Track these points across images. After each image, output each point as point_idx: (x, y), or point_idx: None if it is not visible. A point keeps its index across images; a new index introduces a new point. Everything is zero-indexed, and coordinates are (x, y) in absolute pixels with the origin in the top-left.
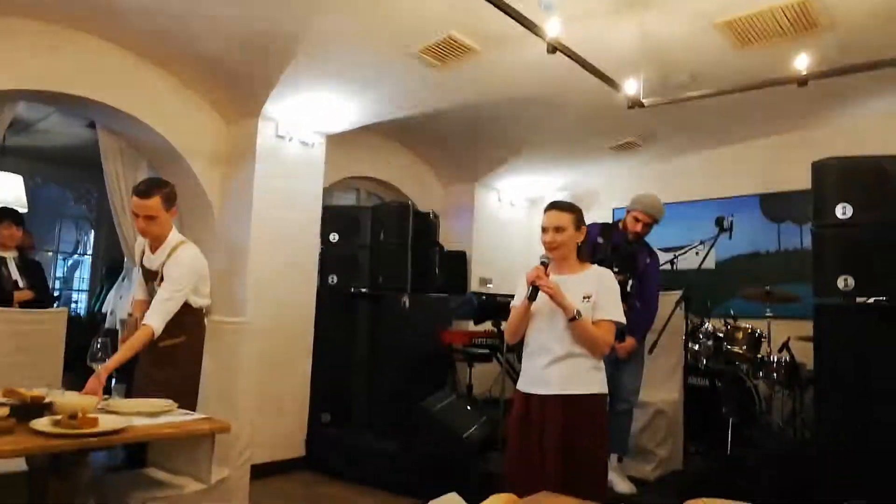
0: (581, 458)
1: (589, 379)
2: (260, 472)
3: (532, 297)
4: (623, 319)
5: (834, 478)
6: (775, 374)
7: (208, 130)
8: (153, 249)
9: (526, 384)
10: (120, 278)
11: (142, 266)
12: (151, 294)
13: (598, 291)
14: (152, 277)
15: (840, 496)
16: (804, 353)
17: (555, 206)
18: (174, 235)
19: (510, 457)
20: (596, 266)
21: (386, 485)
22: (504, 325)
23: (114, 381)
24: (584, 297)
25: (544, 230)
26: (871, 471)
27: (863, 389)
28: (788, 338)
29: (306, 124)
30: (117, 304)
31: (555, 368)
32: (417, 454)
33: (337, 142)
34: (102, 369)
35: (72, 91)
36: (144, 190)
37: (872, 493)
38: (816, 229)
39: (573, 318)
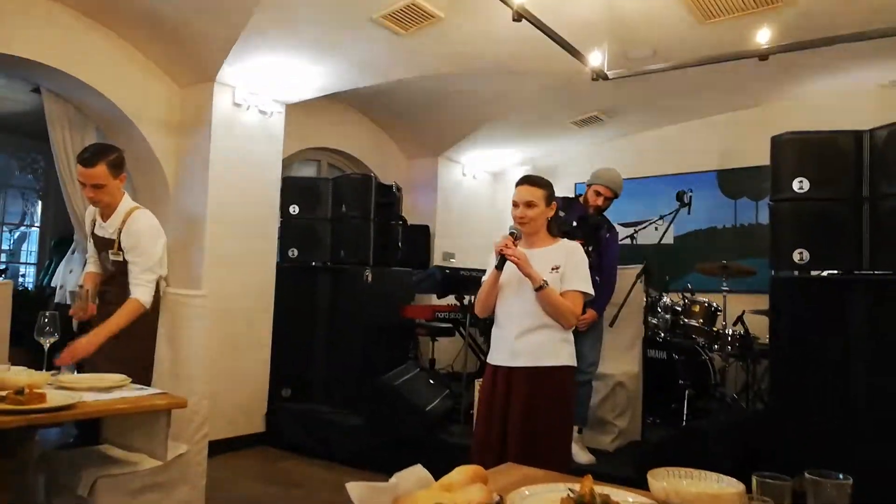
0: (545, 431)
1: (558, 351)
2: (219, 448)
3: (499, 265)
4: (591, 291)
5: (787, 446)
6: (729, 347)
7: (160, 96)
8: (104, 218)
9: (494, 357)
10: (70, 251)
11: (93, 236)
12: (104, 265)
13: (566, 263)
14: (106, 246)
15: (793, 464)
16: (758, 327)
17: (526, 180)
18: (126, 201)
19: (477, 429)
20: (566, 240)
21: (348, 459)
22: (468, 300)
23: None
24: (552, 269)
25: (515, 205)
26: (823, 439)
27: (815, 360)
28: (743, 311)
29: (265, 92)
30: (67, 277)
31: (524, 340)
32: (380, 428)
33: (297, 111)
34: (89, 341)
35: (13, 52)
36: (88, 158)
37: (823, 460)
38: (774, 203)
39: (540, 287)
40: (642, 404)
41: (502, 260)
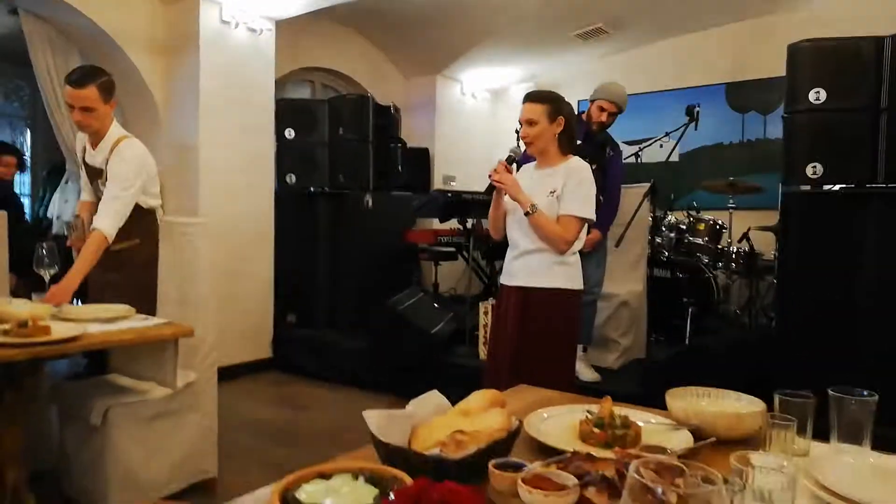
0: (539, 352)
1: (551, 273)
2: (227, 374)
3: (487, 192)
4: (588, 215)
5: (791, 360)
6: (733, 264)
7: (144, 14)
8: (94, 145)
9: (503, 276)
10: (63, 181)
11: (84, 164)
12: (97, 193)
13: (564, 185)
14: (96, 175)
15: (797, 378)
16: (763, 243)
17: (529, 97)
18: (115, 129)
19: (489, 348)
20: (573, 158)
21: (355, 381)
22: (470, 223)
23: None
24: (549, 193)
25: (520, 124)
26: (826, 354)
27: (825, 276)
28: (749, 228)
29: (253, 7)
30: (62, 207)
31: (520, 261)
32: (385, 352)
33: (288, 29)
34: (66, 287)
35: None
36: (78, 79)
37: (826, 375)
38: (788, 115)
39: (527, 213)
40: (647, 323)
41: (490, 187)
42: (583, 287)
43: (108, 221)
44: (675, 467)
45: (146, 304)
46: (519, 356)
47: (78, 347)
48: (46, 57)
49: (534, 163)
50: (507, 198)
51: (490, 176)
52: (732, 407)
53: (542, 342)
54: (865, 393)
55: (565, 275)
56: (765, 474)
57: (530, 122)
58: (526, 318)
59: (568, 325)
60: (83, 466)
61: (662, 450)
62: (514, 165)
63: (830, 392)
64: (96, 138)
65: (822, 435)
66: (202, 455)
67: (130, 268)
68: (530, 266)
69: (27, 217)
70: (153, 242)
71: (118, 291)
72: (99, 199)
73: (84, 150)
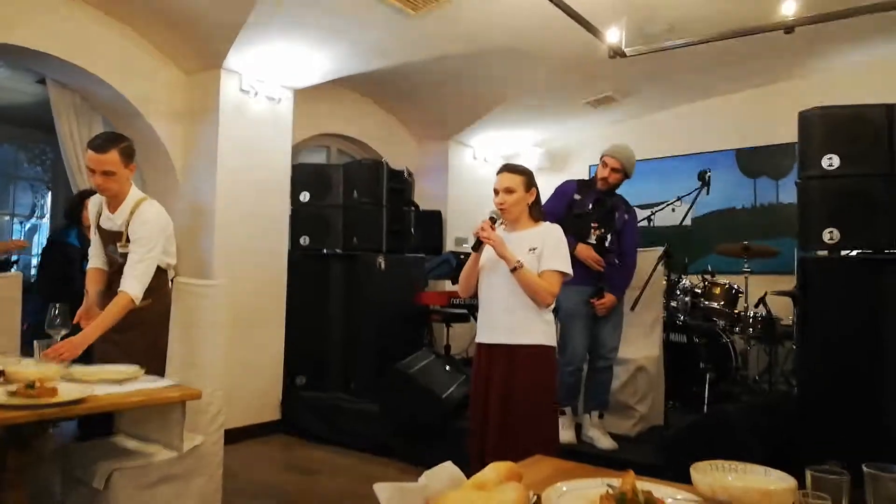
0: (523, 411)
1: (534, 330)
2: (235, 436)
3: (475, 248)
4: (568, 270)
5: (814, 430)
6: (751, 329)
7: (166, 84)
8: (112, 209)
9: (479, 334)
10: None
11: (99, 228)
12: (111, 259)
13: (543, 243)
14: (113, 240)
15: (821, 448)
16: (780, 308)
17: (505, 168)
18: (134, 192)
19: (471, 409)
20: (547, 223)
21: (364, 446)
22: None
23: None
24: (529, 249)
25: (496, 192)
26: (851, 423)
27: (845, 343)
28: (766, 293)
29: (272, 78)
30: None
31: (502, 319)
32: (396, 415)
33: (305, 97)
34: (79, 342)
35: (16, 42)
36: (101, 144)
37: (851, 445)
38: (802, 181)
39: (514, 269)
40: (664, 389)
41: (478, 243)
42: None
43: (136, 284)
44: None
45: (155, 363)
46: (507, 416)
47: (84, 410)
48: (70, 123)
49: (503, 228)
50: (485, 257)
51: (476, 233)
52: (760, 482)
53: (529, 399)
54: None
55: (546, 332)
56: None
57: (509, 190)
58: (513, 375)
59: (550, 382)
60: None
61: None
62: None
63: (865, 469)
64: (115, 202)
65: None
66: None
67: (141, 328)
68: (514, 323)
69: (13, 257)
70: (165, 302)
71: (127, 351)
72: (110, 265)
73: (99, 215)
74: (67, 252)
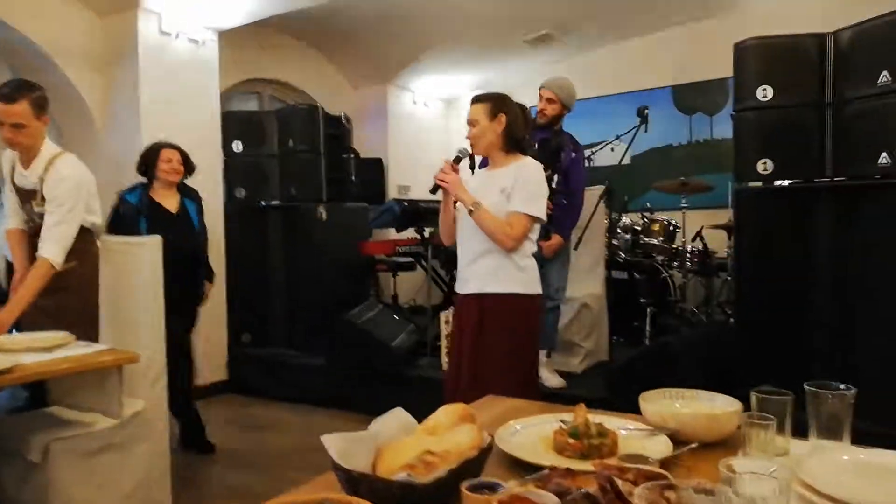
0: (497, 362)
1: (507, 278)
2: None
3: (433, 190)
4: (536, 213)
5: (751, 356)
6: (688, 263)
7: (79, 26)
8: (25, 164)
9: (456, 284)
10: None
11: (13, 185)
12: (30, 218)
13: (514, 182)
14: (28, 198)
15: (758, 374)
16: (715, 241)
17: (472, 99)
18: (49, 146)
19: (450, 361)
20: (526, 158)
21: (315, 400)
22: (427, 232)
23: None
24: (500, 190)
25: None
26: (785, 349)
27: (779, 271)
28: (702, 227)
29: (194, 18)
30: None
31: (473, 267)
32: (346, 366)
33: (231, 40)
34: (5, 319)
35: None
36: (9, 93)
37: (786, 370)
38: (737, 113)
39: (470, 211)
40: (608, 325)
41: (435, 186)
42: (540, 292)
43: (55, 247)
44: (658, 476)
45: (87, 329)
46: (478, 367)
47: (10, 381)
48: None
49: (486, 167)
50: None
51: (435, 176)
52: (707, 408)
53: (501, 351)
54: (843, 386)
55: (521, 280)
56: (754, 480)
57: (472, 123)
58: (483, 326)
59: (527, 332)
60: None
61: (643, 459)
62: (468, 163)
63: (807, 387)
64: (28, 157)
65: (797, 432)
66: (154, 487)
67: (68, 292)
68: (484, 270)
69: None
70: (92, 263)
71: (56, 318)
72: (29, 224)
73: (12, 170)
74: (120, 209)
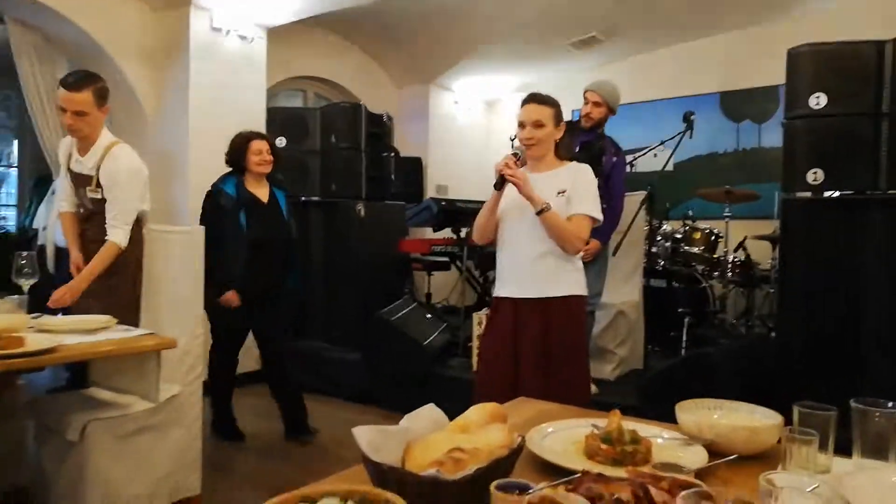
0: (560, 365)
1: (567, 279)
2: None
3: (498, 185)
4: (599, 215)
5: (792, 371)
6: (729, 274)
7: (133, 21)
8: (82, 152)
9: (501, 288)
10: (49, 191)
11: (69, 171)
12: (82, 203)
13: (573, 186)
14: (83, 183)
15: (798, 390)
16: (759, 253)
17: (534, 98)
18: (106, 135)
19: (481, 367)
20: (574, 162)
21: (347, 394)
22: (464, 232)
23: None
24: (558, 193)
25: (521, 125)
26: (828, 366)
27: (827, 284)
28: (745, 237)
29: (244, 15)
30: (49, 218)
31: (530, 269)
32: (378, 364)
33: (279, 37)
34: (75, 286)
35: None
36: (74, 82)
37: (829, 387)
38: (788, 121)
39: (541, 211)
40: (644, 333)
41: (501, 180)
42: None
43: (121, 233)
44: (693, 486)
45: (130, 314)
46: (543, 370)
47: (53, 360)
48: (32, 65)
49: (526, 168)
50: (504, 201)
51: (501, 169)
52: (747, 420)
53: (566, 352)
54: (891, 405)
55: (580, 281)
56: (796, 496)
57: (537, 124)
58: (549, 330)
59: (583, 332)
60: (61, 484)
61: (678, 468)
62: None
63: (853, 404)
64: (86, 144)
65: (840, 449)
66: (186, 471)
67: (113, 277)
68: (546, 273)
69: (8, 228)
70: (137, 250)
71: (100, 301)
72: (80, 209)
73: (69, 156)
74: (220, 201)
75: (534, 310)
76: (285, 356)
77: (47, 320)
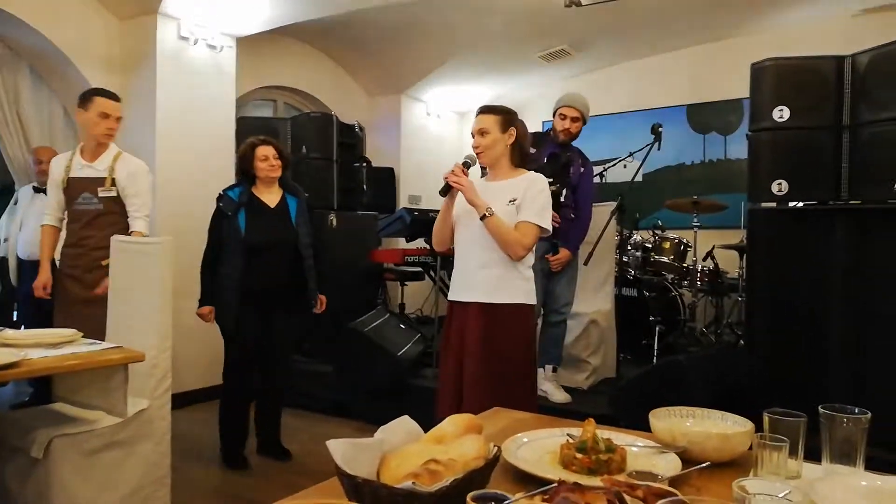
0: (501, 373)
1: (514, 288)
2: (184, 400)
3: (443, 192)
4: (545, 224)
5: (761, 379)
6: (699, 283)
7: (99, 30)
8: (92, 157)
9: (452, 292)
10: (12, 201)
11: (69, 180)
12: (80, 210)
13: (523, 195)
14: (94, 185)
15: (767, 397)
16: (727, 261)
17: (480, 109)
18: (113, 144)
19: (441, 369)
20: (531, 173)
21: (319, 407)
22: None
23: (15, 314)
24: (509, 201)
25: (472, 135)
26: (796, 372)
27: (792, 292)
28: (713, 246)
29: (213, 24)
30: (10, 229)
31: (478, 274)
32: (351, 375)
33: (249, 47)
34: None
35: None
36: (115, 94)
37: (797, 394)
38: (753, 133)
39: (483, 216)
40: (616, 341)
41: (447, 187)
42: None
43: (144, 223)
44: (668, 494)
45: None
46: (483, 377)
47: (17, 375)
48: None
49: (484, 178)
50: (457, 208)
51: (446, 177)
52: (719, 427)
53: (508, 361)
54: (857, 411)
55: (526, 290)
56: (768, 502)
57: (482, 132)
58: (491, 335)
59: (530, 342)
60: (25, 503)
61: (653, 476)
62: (477, 171)
63: (822, 410)
64: (99, 150)
65: (809, 455)
66: (155, 487)
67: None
68: (491, 279)
69: None
70: None
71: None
72: (77, 218)
73: (67, 168)
74: (221, 205)
75: (478, 315)
76: (284, 372)
77: (10, 334)
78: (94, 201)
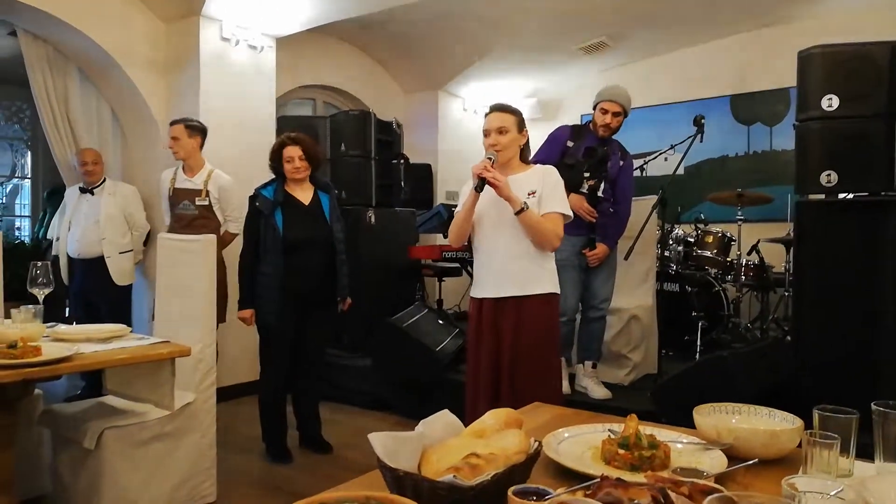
0: (536, 362)
1: (542, 278)
2: (228, 394)
3: (479, 187)
4: (569, 212)
5: (808, 375)
6: (743, 277)
7: (144, 32)
8: (190, 174)
9: (478, 289)
10: (63, 202)
11: (174, 191)
12: (180, 215)
13: (542, 186)
14: (192, 195)
15: (815, 394)
16: (772, 256)
17: (496, 108)
18: (206, 162)
19: (469, 369)
20: (540, 165)
21: (359, 401)
22: None
23: (67, 310)
24: (529, 194)
25: (486, 133)
26: (845, 369)
27: (841, 286)
28: (758, 240)
29: (254, 25)
30: (61, 229)
31: (509, 269)
32: (390, 370)
33: (289, 47)
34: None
35: None
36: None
37: (846, 391)
38: (800, 123)
39: (520, 210)
40: (657, 337)
41: (482, 182)
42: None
43: (236, 225)
44: (714, 491)
45: (221, 301)
46: (518, 367)
47: (69, 368)
48: (45, 77)
49: None
50: (481, 204)
51: (480, 172)
52: (766, 424)
53: (539, 350)
54: None
55: (552, 280)
56: (819, 500)
57: (501, 131)
58: (523, 326)
59: (556, 330)
60: (78, 492)
61: (698, 473)
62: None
63: (875, 406)
64: (193, 166)
65: (861, 453)
66: (201, 478)
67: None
68: (522, 272)
69: (23, 238)
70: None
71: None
72: (178, 220)
73: (173, 181)
74: (257, 204)
75: (512, 308)
76: (320, 367)
77: (63, 329)
78: (191, 207)
